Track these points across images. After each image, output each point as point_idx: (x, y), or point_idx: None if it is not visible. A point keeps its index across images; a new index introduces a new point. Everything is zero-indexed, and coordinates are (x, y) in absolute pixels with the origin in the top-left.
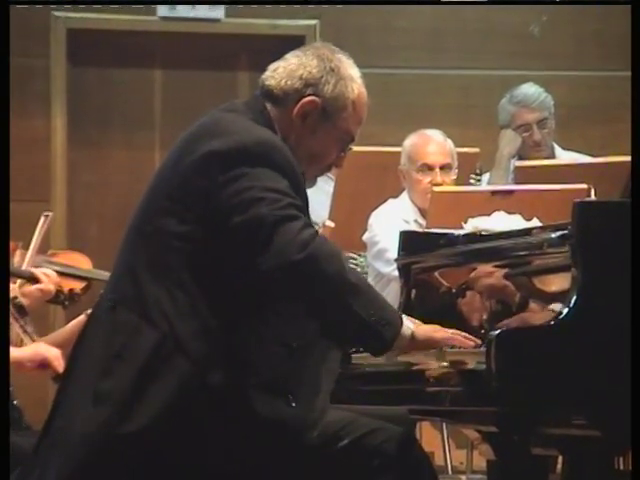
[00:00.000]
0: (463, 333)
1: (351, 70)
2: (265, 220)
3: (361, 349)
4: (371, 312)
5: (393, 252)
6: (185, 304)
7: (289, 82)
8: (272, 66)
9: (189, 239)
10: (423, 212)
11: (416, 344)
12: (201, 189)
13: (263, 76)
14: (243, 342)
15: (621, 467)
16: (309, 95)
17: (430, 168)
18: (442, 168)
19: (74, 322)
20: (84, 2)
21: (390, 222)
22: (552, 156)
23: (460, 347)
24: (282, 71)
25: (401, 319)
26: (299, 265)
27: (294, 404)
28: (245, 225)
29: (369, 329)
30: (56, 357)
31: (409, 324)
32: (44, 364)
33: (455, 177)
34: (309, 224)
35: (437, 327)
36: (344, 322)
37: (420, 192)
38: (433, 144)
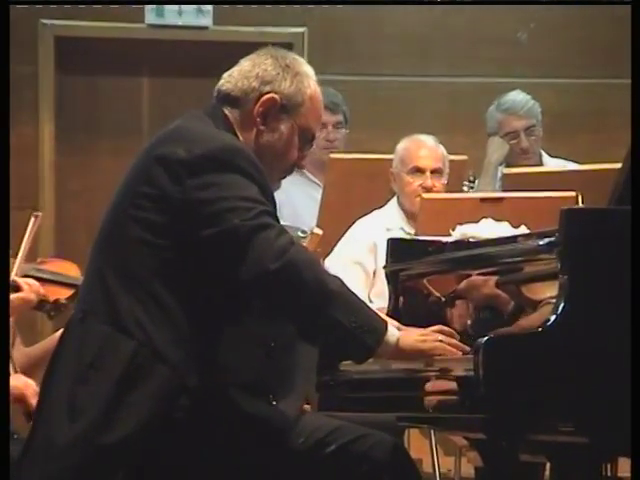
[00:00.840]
0: (452, 341)
1: (305, 67)
2: (239, 230)
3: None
4: (352, 319)
5: None
6: (158, 311)
7: (246, 82)
8: (226, 74)
9: (157, 246)
10: (411, 217)
11: (402, 353)
12: (167, 196)
13: (218, 83)
14: (220, 345)
15: (608, 474)
16: (267, 93)
17: (421, 171)
18: (433, 172)
19: (58, 333)
20: (77, 2)
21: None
22: (540, 163)
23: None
24: (237, 74)
25: (386, 325)
26: (277, 274)
27: (274, 403)
28: (219, 236)
29: (350, 336)
30: (33, 394)
31: (395, 331)
32: (21, 399)
33: (446, 182)
34: (284, 231)
35: (425, 335)
36: (325, 329)
37: (409, 195)
38: (425, 148)
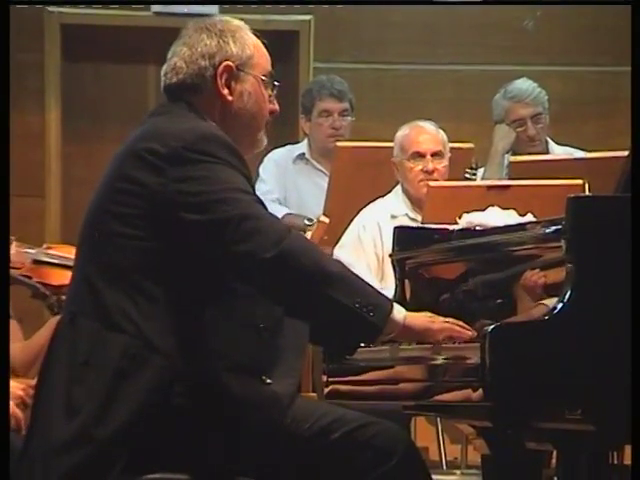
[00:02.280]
0: (459, 323)
1: (234, 22)
2: (231, 220)
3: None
4: (356, 299)
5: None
6: (146, 303)
7: (195, 66)
8: (165, 67)
9: (139, 239)
10: (416, 203)
11: (411, 331)
12: (147, 190)
13: (164, 79)
14: (211, 328)
15: (615, 462)
16: (220, 64)
17: (422, 155)
18: (433, 155)
19: (54, 320)
20: (82, 2)
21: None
22: (546, 151)
23: (456, 341)
24: (181, 63)
25: (391, 303)
26: (274, 262)
27: (269, 382)
28: (209, 225)
29: (356, 316)
30: (18, 419)
31: (401, 309)
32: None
33: (447, 164)
34: (278, 219)
35: (434, 317)
36: (328, 312)
37: (412, 180)
38: (424, 133)
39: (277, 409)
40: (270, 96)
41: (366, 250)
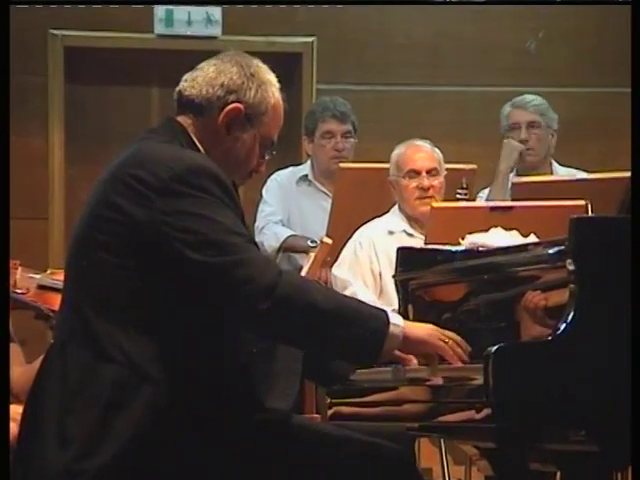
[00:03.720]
0: (459, 341)
1: (269, 75)
2: (222, 267)
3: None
4: (352, 330)
5: (361, 296)
6: (135, 332)
7: (211, 90)
8: (188, 76)
9: (125, 268)
10: (413, 220)
11: (409, 343)
12: (133, 220)
13: (180, 87)
14: (202, 355)
15: None
16: (232, 102)
17: (417, 173)
18: (429, 172)
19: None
20: (83, 2)
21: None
22: (550, 172)
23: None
24: (202, 80)
25: (387, 321)
26: (269, 313)
27: (263, 406)
28: (199, 268)
29: (353, 345)
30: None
31: (398, 322)
32: None
33: (442, 180)
34: (269, 261)
35: (433, 330)
36: (326, 348)
37: (409, 198)
38: (419, 151)
39: (273, 432)
40: (261, 158)
41: (362, 267)
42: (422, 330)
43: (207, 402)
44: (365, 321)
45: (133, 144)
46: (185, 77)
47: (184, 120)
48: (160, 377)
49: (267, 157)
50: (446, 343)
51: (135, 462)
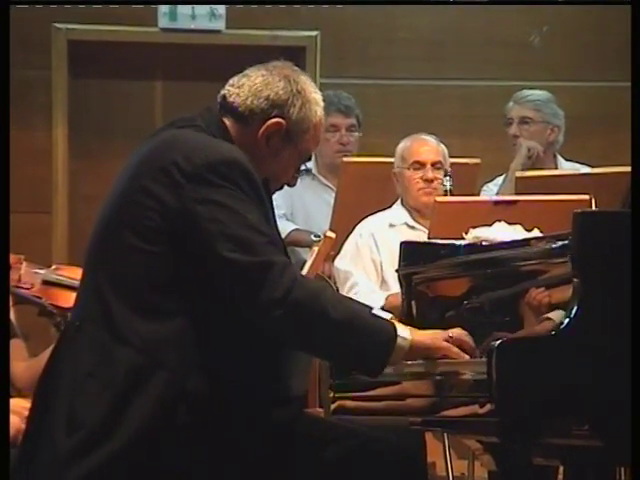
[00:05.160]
0: (463, 336)
1: (315, 94)
2: (241, 267)
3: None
4: (360, 343)
5: (362, 286)
6: (154, 317)
7: (255, 102)
8: (235, 81)
9: (152, 254)
10: (416, 212)
11: (414, 353)
12: (164, 205)
13: (225, 91)
14: (218, 346)
15: (622, 477)
16: (275, 117)
17: (422, 165)
18: (433, 165)
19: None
20: (82, 2)
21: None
22: (555, 166)
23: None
24: (247, 89)
25: (394, 335)
26: (282, 319)
27: (273, 402)
28: (218, 263)
29: (361, 358)
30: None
31: (405, 334)
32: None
33: (445, 174)
34: (286, 265)
35: (437, 333)
36: (334, 359)
37: (412, 189)
38: (425, 145)
39: (286, 414)
40: (296, 173)
41: (363, 257)
42: (426, 337)
43: (217, 390)
44: (373, 334)
45: (164, 131)
46: (231, 81)
47: (226, 121)
48: (174, 364)
49: (299, 173)
50: (451, 339)
51: (145, 449)
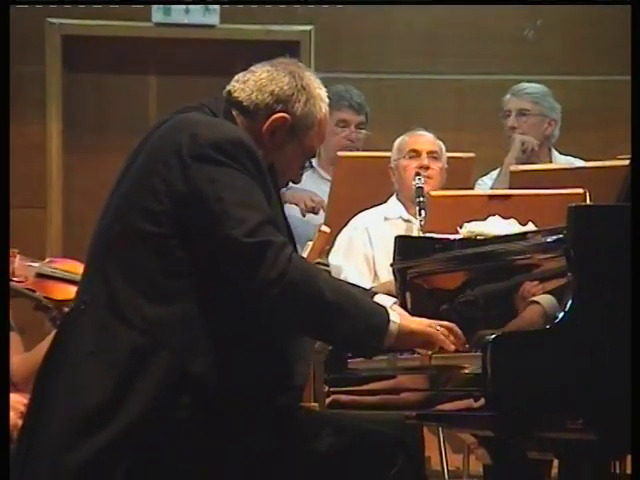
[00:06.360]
0: (454, 328)
1: (319, 90)
2: (239, 244)
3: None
4: (356, 327)
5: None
6: (159, 300)
7: (260, 96)
8: (240, 77)
9: (157, 235)
10: (411, 206)
11: (401, 337)
12: (171, 186)
13: (230, 86)
14: (221, 330)
15: (617, 471)
16: (280, 111)
17: (418, 153)
18: (429, 154)
19: (48, 339)
20: (79, 2)
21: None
22: (550, 160)
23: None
24: (252, 84)
25: (387, 318)
26: (277, 298)
27: (274, 388)
28: (218, 241)
29: (355, 341)
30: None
31: (395, 318)
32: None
33: (442, 166)
34: (283, 245)
35: (426, 321)
36: (329, 341)
37: (407, 177)
38: (420, 136)
39: (287, 400)
40: (301, 169)
41: (355, 251)
42: (415, 324)
43: (220, 372)
44: (367, 316)
45: (180, 114)
46: (237, 77)
47: (233, 112)
48: (177, 347)
49: (305, 169)
50: (440, 328)
51: (147, 431)
